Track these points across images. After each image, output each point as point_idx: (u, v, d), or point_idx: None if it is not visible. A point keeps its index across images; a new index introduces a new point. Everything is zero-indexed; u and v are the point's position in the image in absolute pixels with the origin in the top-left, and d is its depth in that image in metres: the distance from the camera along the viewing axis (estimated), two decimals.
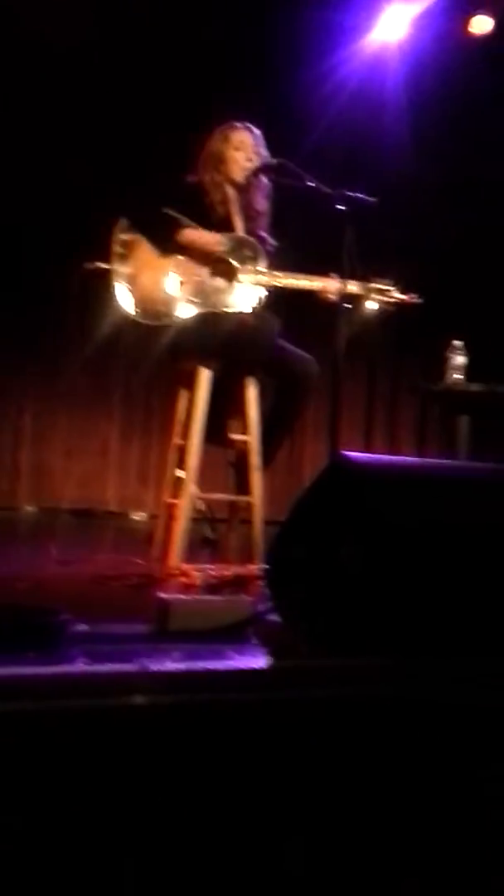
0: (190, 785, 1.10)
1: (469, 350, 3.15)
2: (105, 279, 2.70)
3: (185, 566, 2.22)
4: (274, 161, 2.84)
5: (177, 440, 2.80)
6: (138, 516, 4.31)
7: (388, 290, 2.79)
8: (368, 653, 1.36)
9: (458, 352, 3.14)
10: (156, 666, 1.23)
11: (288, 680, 1.23)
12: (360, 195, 2.70)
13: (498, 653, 1.36)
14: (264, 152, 2.88)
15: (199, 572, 2.04)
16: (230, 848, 1.08)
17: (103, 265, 2.70)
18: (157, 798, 1.08)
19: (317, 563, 1.64)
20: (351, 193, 2.71)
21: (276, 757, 1.13)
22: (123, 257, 2.68)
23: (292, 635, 1.51)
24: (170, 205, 2.73)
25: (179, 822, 1.07)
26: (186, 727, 1.13)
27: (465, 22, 4.33)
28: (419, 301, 2.78)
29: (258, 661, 1.28)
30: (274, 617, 1.56)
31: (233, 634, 1.44)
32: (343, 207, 2.67)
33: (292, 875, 1.10)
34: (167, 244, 2.69)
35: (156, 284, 2.69)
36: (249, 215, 2.89)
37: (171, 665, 1.20)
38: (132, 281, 2.67)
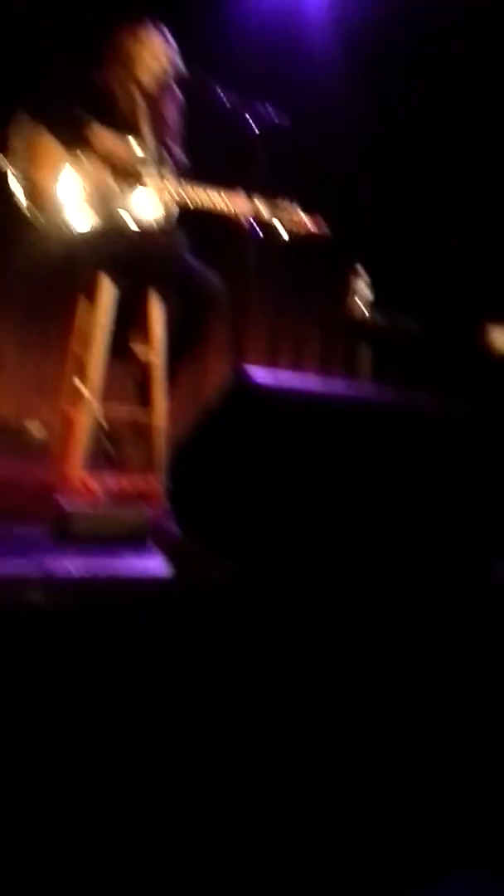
0: (89, 684, 1.13)
1: (373, 281, 3.20)
2: (2, 177, 2.56)
3: (86, 477, 2.22)
4: (186, 71, 2.74)
5: (76, 349, 2.74)
6: (34, 426, 4.22)
7: (296, 216, 2.77)
8: (260, 561, 1.42)
9: (363, 282, 3.19)
10: (57, 569, 1.24)
11: (186, 585, 1.28)
12: (274, 115, 2.65)
13: (381, 560, 1.45)
14: (176, 59, 2.76)
15: (99, 483, 2.05)
16: (117, 751, 1.12)
17: (2, 160, 2.56)
18: (55, 697, 1.11)
19: (217, 475, 1.68)
20: (262, 108, 2.65)
21: (174, 658, 1.18)
22: (23, 155, 2.55)
23: (191, 545, 1.56)
24: (77, 103, 2.60)
25: (72, 724, 1.11)
26: (86, 629, 1.16)
27: None
28: (325, 230, 2.78)
29: (157, 567, 1.32)
30: (173, 527, 1.60)
31: (133, 542, 1.47)
32: (253, 122, 2.61)
33: (180, 781, 1.16)
34: (72, 144, 2.57)
35: (54, 181, 2.57)
36: (158, 124, 2.79)
37: (71, 568, 1.22)
38: (31, 180, 2.55)
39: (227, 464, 1.66)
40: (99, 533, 1.49)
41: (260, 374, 1.74)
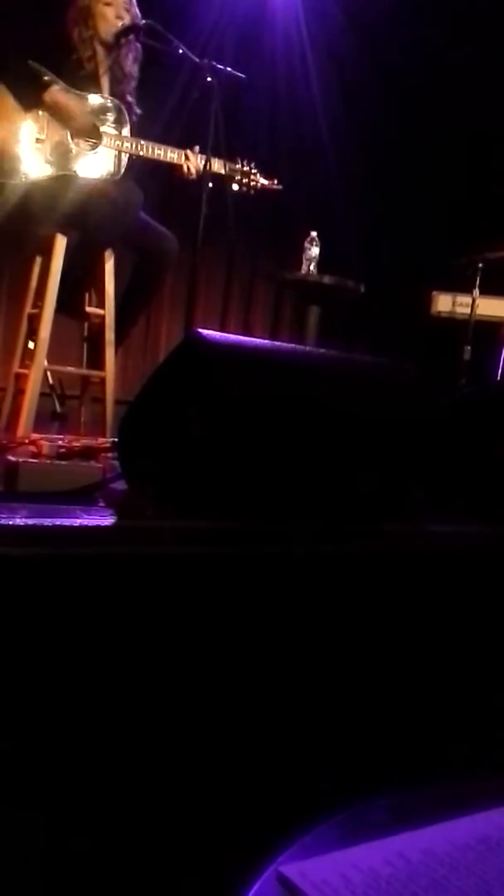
0: (35, 637, 1.15)
1: (323, 243, 3.23)
2: None
3: (34, 436, 2.22)
4: (144, 22, 2.70)
5: (28, 309, 2.72)
6: None
7: (251, 173, 2.78)
8: (209, 516, 1.45)
9: (314, 244, 3.21)
10: (3, 521, 1.26)
11: (133, 537, 1.30)
12: (229, 69, 2.63)
13: (320, 514, 1.50)
14: (135, 10, 2.73)
15: (48, 442, 2.05)
16: (60, 702, 1.15)
17: None
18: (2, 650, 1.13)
19: (166, 433, 1.70)
20: (220, 66, 2.63)
21: (120, 609, 1.21)
22: None
23: (138, 500, 1.58)
24: (36, 57, 2.55)
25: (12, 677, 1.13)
26: (33, 579, 1.18)
27: None
28: (279, 188, 2.79)
29: (105, 520, 1.34)
30: (121, 483, 1.62)
31: (81, 496, 1.48)
32: (211, 79, 2.60)
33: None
34: (29, 98, 2.52)
35: (13, 140, 2.53)
36: (117, 76, 2.76)
37: (18, 520, 1.24)
38: None
39: (175, 422, 1.69)
40: (46, 486, 1.49)
41: (210, 334, 1.76)
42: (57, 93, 2.54)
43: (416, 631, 1.43)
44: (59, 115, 2.56)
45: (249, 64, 3.60)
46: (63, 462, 1.82)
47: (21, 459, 1.59)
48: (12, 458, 1.60)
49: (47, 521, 1.28)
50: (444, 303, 3.48)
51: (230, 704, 1.27)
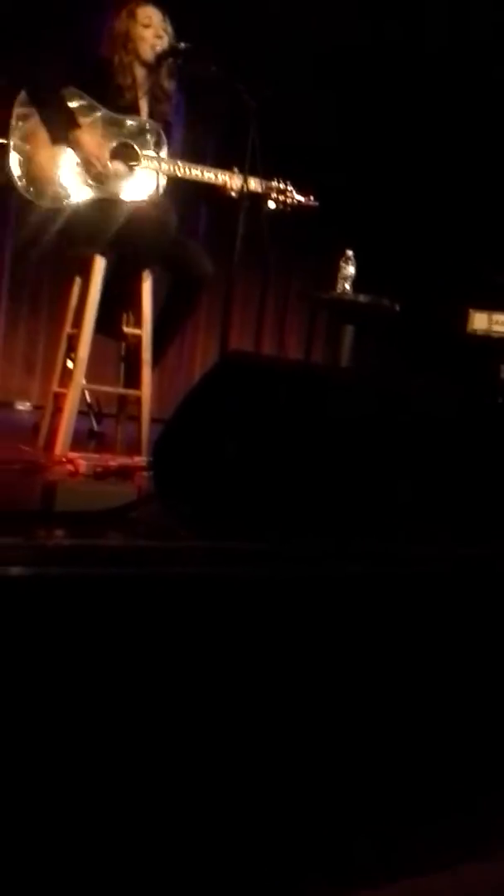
0: (71, 655, 1.17)
1: (358, 261, 3.23)
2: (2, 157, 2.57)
3: (72, 454, 2.25)
4: (184, 45, 2.74)
5: (68, 329, 2.76)
6: (23, 406, 4.25)
7: (287, 191, 2.79)
8: (244, 537, 1.46)
9: (349, 262, 3.22)
10: (39, 540, 1.27)
11: (166, 558, 1.31)
12: (268, 91, 2.66)
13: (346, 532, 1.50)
14: (170, 30, 2.78)
15: (85, 461, 2.08)
16: (101, 722, 1.16)
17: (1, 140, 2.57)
18: (37, 667, 1.14)
19: (201, 453, 1.71)
20: (258, 87, 2.66)
21: (152, 628, 1.22)
22: (21, 132, 2.55)
23: (173, 520, 1.59)
24: (78, 83, 2.61)
25: (54, 696, 1.14)
26: (69, 598, 1.19)
27: None
28: (315, 204, 2.80)
29: (139, 540, 1.35)
30: (156, 503, 1.64)
31: (116, 517, 1.50)
32: (249, 100, 2.63)
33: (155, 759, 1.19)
34: (57, 134, 2.58)
35: (54, 164, 2.58)
36: (157, 97, 2.81)
37: (55, 540, 1.26)
38: (28, 159, 2.56)
39: (210, 442, 1.70)
40: (83, 507, 1.51)
41: (245, 354, 1.77)
42: (81, 137, 2.59)
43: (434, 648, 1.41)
44: (91, 146, 2.61)
45: (284, 78, 3.64)
46: (99, 482, 1.84)
47: (58, 479, 1.61)
48: (50, 478, 1.63)
49: (83, 542, 1.30)
50: (479, 321, 3.45)
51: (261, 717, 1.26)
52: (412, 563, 1.47)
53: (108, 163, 2.65)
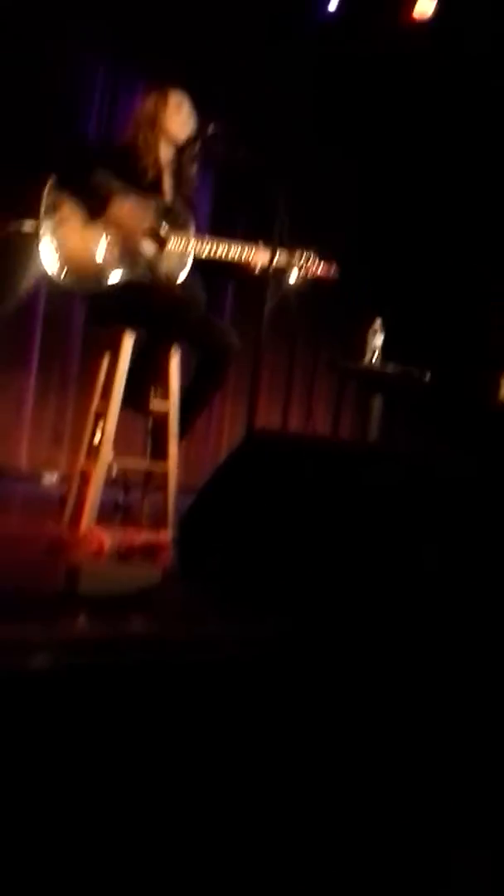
0: (96, 745, 1.13)
1: (386, 331, 3.23)
2: (31, 238, 2.63)
3: (97, 530, 2.23)
4: (212, 129, 2.83)
5: (96, 404, 2.77)
6: (51, 477, 4.27)
7: (308, 263, 2.81)
8: (271, 618, 1.42)
9: (378, 332, 3.22)
10: (64, 629, 1.25)
11: (188, 645, 1.28)
12: (290, 174, 2.71)
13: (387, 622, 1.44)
14: (195, 115, 2.86)
15: (110, 537, 2.06)
16: (124, 817, 1.11)
17: (30, 224, 2.64)
18: (60, 758, 1.11)
19: (226, 531, 1.68)
20: (283, 167, 2.72)
21: (176, 716, 1.17)
22: (52, 217, 2.62)
23: (196, 603, 1.56)
24: (102, 164, 2.68)
25: (78, 789, 1.10)
26: (92, 688, 1.16)
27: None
28: (334, 277, 2.81)
29: (162, 626, 1.32)
30: (181, 584, 1.61)
31: (139, 601, 1.47)
32: (274, 183, 2.68)
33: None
34: (95, 209, 2.65)
35: (85, 248, 2.64)
36: (181, 179, 2.87)
37: (78, 628, 1.23)
38: (60, 242, 2.62)
39: (236, 521, 1.67)
40: (107, 591, 1.49)
41: (270, 433, 1.76)
42: (121, 205, 2.66)
43: None
44: (121, 225, 2.67)
45: (309, 151, 3.70)
46: (124, 562, 1.82)
47: (82, 561, 1.59)
48: (74, 557, 1.61)
49: (105, 631, 1.26)
50: None
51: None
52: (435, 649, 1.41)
53: (140, 243, 2.70)
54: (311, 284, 2.77)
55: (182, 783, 1.17)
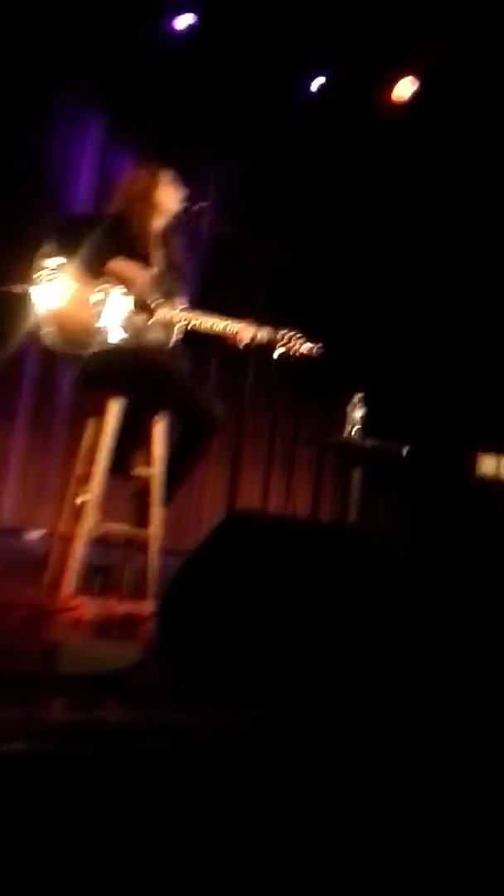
0: (68, 836, 1.13)
1: (367, 405, 3.30)
2: (22, 300, 2.70)
3: (77, 600, 2.24)
4: (200, 205, 2.93)
5: (80, 468, 2.81)
6: (33, 533, 4.27)
7: (293, 341, 2.90)
8: (251, 705, 1.43)
9: (359, 406, 3.29)
10: (38, 714, 1.26)
11: (167, 733, 1.29)
12: (279, 248, 2.82)
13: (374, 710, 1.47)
14: (187, 197, 2.97)
15: (90, 608, 2.07)
16: None
17: (22, 287, 2.70)
18: (32, 849, 1.11)
19: (205, 609, 1.71)
20: (269, 245, 2.82)
21: (148, 811, 1.18)
22: (44, 280, 2.69)
23: (177, 684, 1.57)
24: (94, 232, 2.76)
25: (55, 875, 1.11)
26: (63, 778, 1.17)
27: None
28: (317, 355, 2.89)
29: (140, 712, 1.34)
30: (160, 665, 1.63)
31: (117, 683, 1.49)
32: (261, 258, 2.78)
33: None
34: (94, 267, 2.72)
35: (79, 313, 2.71)
36: (169, 255, 2.96)
37: (53, 714, 1.25)
38: (51, 305, 2.68)
39: (214, 599, 1.70)
40: (85, 667, 1.51)
41: (250, 514, 1.81)
42: (119, 261, 2.74)
43: None
44: (123, 280, 2.73)
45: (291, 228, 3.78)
46: (102, 641, 1.83)
47: (60, 637, 1.61)
48: (52, 636, 1.62)
49: (79, 717, 1.28)
50: (488, 465, 3.48)
51: None
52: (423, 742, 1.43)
53: (132, 312, 2.76)
54: (295, 362, 2.85)
55: (153, 876, 1.17)
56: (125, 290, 2.74)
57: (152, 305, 2.80)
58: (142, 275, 2.77)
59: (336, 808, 1.31)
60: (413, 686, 1.62)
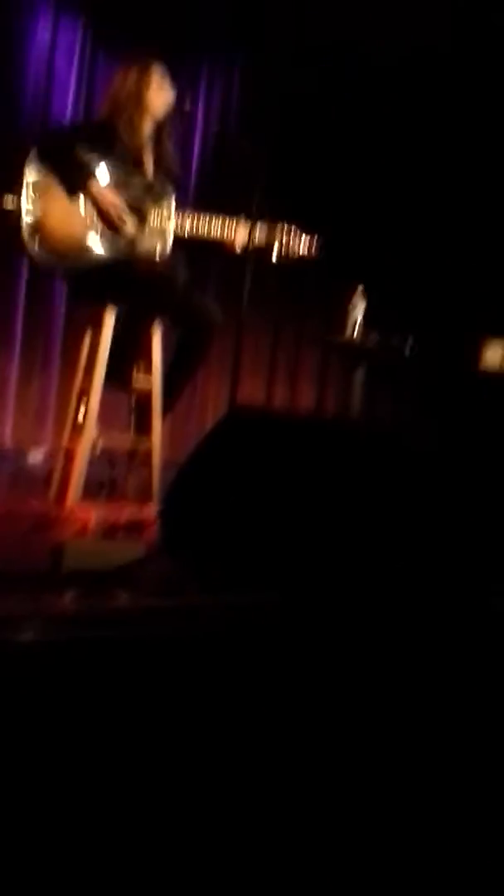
0: (85, 719, 1.15)
1: (368, 301, 3.23)
2: (10, 216, 2.62)
3: (82, 507, 2.25)
4: (189, 106, 2.81)
5: (79, 381, 2.78)
6: (35, 454, 4.27)
7: (290, 240, 2.81)
8: (252, 591, 1.45)
9: (359, 304, 3.23)
10: (48, 604, 1.27)
11: (173, 617, 1.30)
12: (267, 142, 2.71)
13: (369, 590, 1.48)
14: (174, 91, 2.84)
15: (94, 514, 2.08)
16: (105, 780, 1.14)
17: (11, 200, 2.62)
18: (50, 733, 1.13)
19: (209, 505, 1.71)
20: (261, 141, 2.72)
21: (162, 690, 1.20)
22: (32, 193, 2.60)
23: (181, 576, 1.58)
24: (83, 140, 2.66)
25: (67, 761, 1.13)
26: (77, 663, 1.19)
27: None
28: (314, 255, 2.81)
29: (147, 599, 1.35)
30: (165, 559, 1.63)
31: (124, 575, 1.49)
32: (248, 148, 2.67)
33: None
34: (74, 185, 2.63)
35: (66, 224, 2.63)
36: (162, 153, 2.86)
37: (63, 604, 1.25)
38: (41, 220, 2.60)
39: (217, 496, 1.70)
40: (92, 566, 1.51)
41: (251, 408, 1.78)
42: (99, 186, 2.64)
43: None
44: (99, 207, 2.65)
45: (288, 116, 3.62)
46: (109, 538, 1.84)
47: (67, 538, 1.61)
48: (60, 534, 1.63)
49: (90, 605, 1.29)
50: (493, 357, 3.41)
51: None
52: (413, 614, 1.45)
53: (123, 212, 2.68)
54: (293, 263, 2.77)
55: (167, 756, 1.20)
56: (102, 213, 2.65)
57: (144, 210, 2.71)
58: (118, 200, 2.66)
59: (334, 686, 1.33)
60: (416, 572, 1.62)
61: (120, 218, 2.66)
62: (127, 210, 2.69)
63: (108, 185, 2.67)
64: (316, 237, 2.76)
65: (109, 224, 2.66)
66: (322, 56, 4.43)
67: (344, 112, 4.51)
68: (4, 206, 2.66)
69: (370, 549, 1.64)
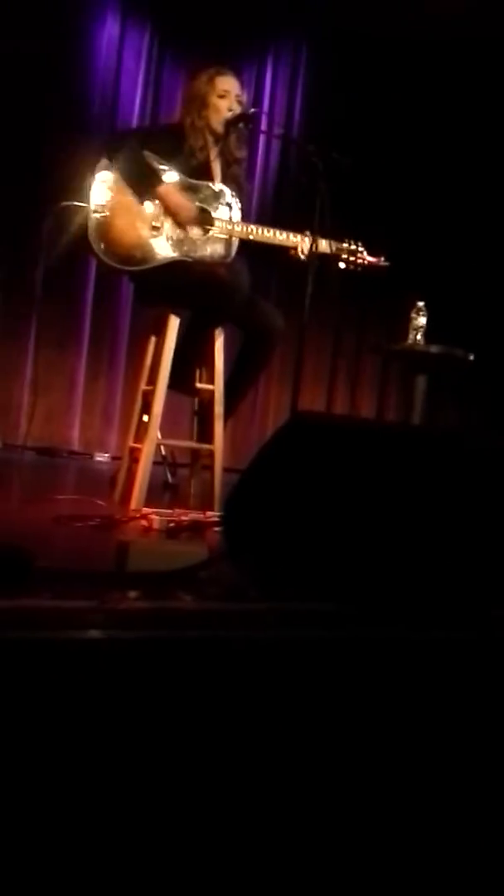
0: (142, 718, 1.18)
1: (430, 312, 3.22)
2: (81, 219, 2.69)
3: (145, 510, 2.29)
4: (252, 111, 2.84)
5: (143, 385, 2.84)
6: (101, 457, 4.36)
7: (357, 251, 2.82)
8: (313, 599, 1.45)
9: (421, 313, 3.21)
10: (113, 603, 1.30)
11: (236, 620, 1.32)
12: (335, 153, 2.72)
13: (433, 602, 1.47)
14: (244, 99, 2.88)
15: (158, 517, 2.12)
16: (173, 780, 1.16)
17: (80, 203, 2.69)
18: (110, 729, 1.16)
19: (271, 511, 1.72)
20: (324, 150, 2.73)
21: (223, 692, 1.22)
22: (101, 198, 2.66)
23: (243, 580, 1.60)
24: (151, 146, 2.72)
25: (132, 754, 1.16)
26: (139, 661, 1.21)
27: None
28: (386, 265, 2.81)
29: (209, 602, 1.37)
30: (227, 562, 1.65)
31: (187, 577, 1.52)
32: (316, 162, 2.69)
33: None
34: (144, 189, 2.69)
35: (132, 229, 2.69)
36: (228, 162, 2.90)
37: (127, 603, 1.28)
38: (108, 223, 2.66)
39: (280, 501, 1.71)
40: (155, 567, 1.54)
41: (315, 413, 1.79)
42: (168, 187, 2.69)
43: None
44: (168, 208, 2.70)
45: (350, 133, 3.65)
46: (171, 540, 1.87)
47: (131, 538, 1.65)
48: (124, 535, 1.66)
49: (153, 605, 1.32)
50: None
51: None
52: (488, 627, 1.43)
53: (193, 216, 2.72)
54: (360, 273, 2.78)
55: (225, 758, 1.21)
56: (171, 215, 2.70)
57: (211, 219, 2.75)
58: (188, 202, 2.71)
59: (394, 695, 1.32)
60: (479, 584, 1.61)
61: (188, 220, 2.70)
62: (196, 212, 2.73)
63: (176, 187, 2.72)
64: (382, 256, 2.77)
65: (177, 226, 2.71)
66: (392, 66, 4.44)
67: (410, 120, 4.50)
68: (74, 206, 2.74)
69: (435, 556, 1.63)
